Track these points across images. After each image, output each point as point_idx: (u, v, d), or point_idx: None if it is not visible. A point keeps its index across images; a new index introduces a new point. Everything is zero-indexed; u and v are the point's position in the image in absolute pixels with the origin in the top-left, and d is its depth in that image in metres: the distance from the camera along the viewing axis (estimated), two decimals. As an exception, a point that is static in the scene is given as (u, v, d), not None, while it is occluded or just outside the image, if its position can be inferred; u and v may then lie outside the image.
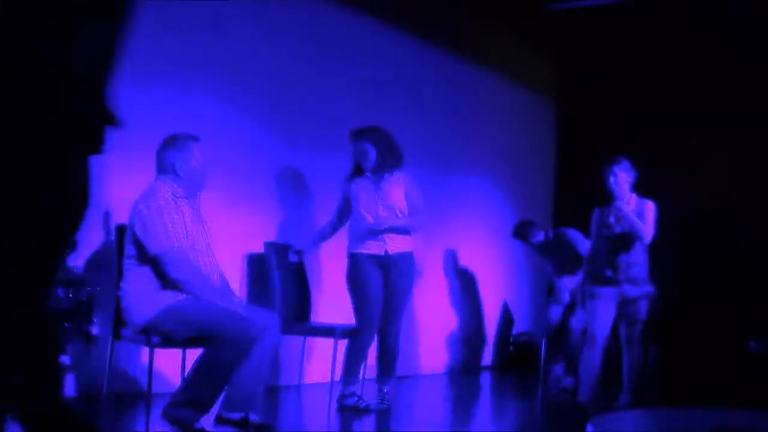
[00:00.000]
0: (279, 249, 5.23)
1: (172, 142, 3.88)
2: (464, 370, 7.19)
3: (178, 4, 4.76)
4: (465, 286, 7.31)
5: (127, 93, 4.64)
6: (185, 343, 3.77)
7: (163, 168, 3.86)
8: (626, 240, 4.92)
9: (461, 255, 7.28)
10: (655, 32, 7.52)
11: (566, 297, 6.36)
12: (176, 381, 4.40)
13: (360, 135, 4.71)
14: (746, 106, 7.42)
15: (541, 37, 8.14)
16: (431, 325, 6.74)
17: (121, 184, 4.52)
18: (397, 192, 4.72)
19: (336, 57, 5.85)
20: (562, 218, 8.47)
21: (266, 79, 5.40)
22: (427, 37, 6.65)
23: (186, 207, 3.81)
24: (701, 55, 7.55)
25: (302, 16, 5.60)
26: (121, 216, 4.37)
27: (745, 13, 6.92)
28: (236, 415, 3.66)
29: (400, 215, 4.72)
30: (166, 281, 3.64)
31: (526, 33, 8.01)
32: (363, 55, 6.08)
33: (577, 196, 8.24)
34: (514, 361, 7.39)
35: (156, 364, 4.09)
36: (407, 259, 4.77)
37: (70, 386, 3.74)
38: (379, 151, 4.67)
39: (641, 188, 5.02)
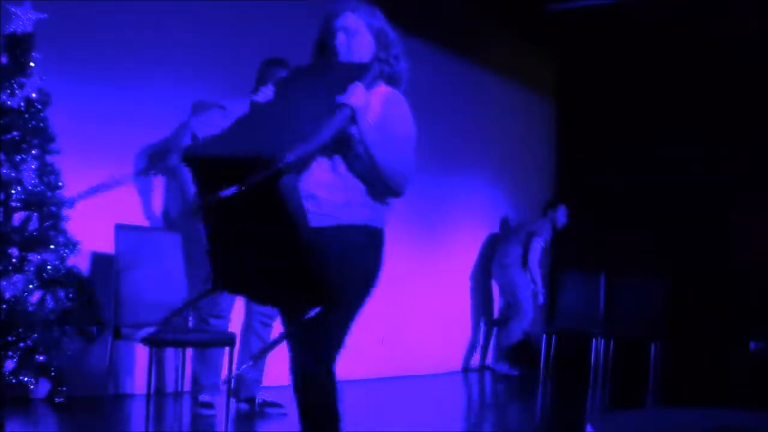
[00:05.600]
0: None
1: (281, 63, 3.98)
2: (464, 370, 7.20)
3: (192, 7, 4.77)
4: (465, 285, 7.31)
5: (129, 95, 4.67)
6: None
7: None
8: None
9: (461, 255, 7.27)
10: (655, 32, 7.51)
11: None
12: (176, 381, 4.41)
13: None
14: (748, 104, 7.41)
15: (541, 37, 8.14)
16: (432, 325, 6.73)
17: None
18: None
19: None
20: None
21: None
22: (427, 38, 6.65)
23: None
24: (701, 55, 7.54)
25: (301, 17, 5.58)
26: (121, 216, 4.38)
27: (745, 13, 6.92)
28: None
29: None
30: None
31: (526, 33, 8.01)
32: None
33: (578, 195, 8.29)
34: (514, 361, 7.37)
35: (156, 364, 4.09)
36: None
37: (71, 386, 3.74)
38: None
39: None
